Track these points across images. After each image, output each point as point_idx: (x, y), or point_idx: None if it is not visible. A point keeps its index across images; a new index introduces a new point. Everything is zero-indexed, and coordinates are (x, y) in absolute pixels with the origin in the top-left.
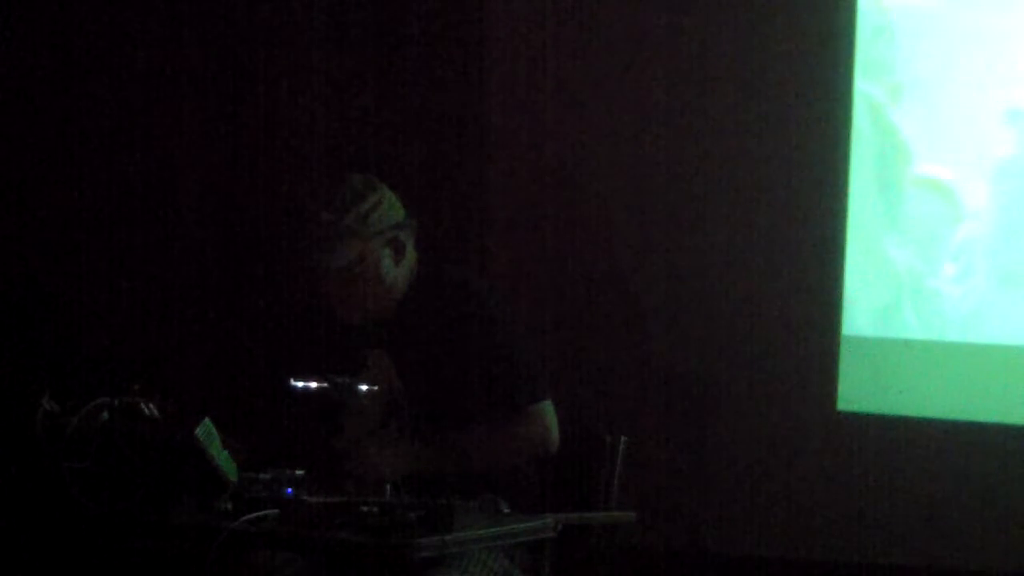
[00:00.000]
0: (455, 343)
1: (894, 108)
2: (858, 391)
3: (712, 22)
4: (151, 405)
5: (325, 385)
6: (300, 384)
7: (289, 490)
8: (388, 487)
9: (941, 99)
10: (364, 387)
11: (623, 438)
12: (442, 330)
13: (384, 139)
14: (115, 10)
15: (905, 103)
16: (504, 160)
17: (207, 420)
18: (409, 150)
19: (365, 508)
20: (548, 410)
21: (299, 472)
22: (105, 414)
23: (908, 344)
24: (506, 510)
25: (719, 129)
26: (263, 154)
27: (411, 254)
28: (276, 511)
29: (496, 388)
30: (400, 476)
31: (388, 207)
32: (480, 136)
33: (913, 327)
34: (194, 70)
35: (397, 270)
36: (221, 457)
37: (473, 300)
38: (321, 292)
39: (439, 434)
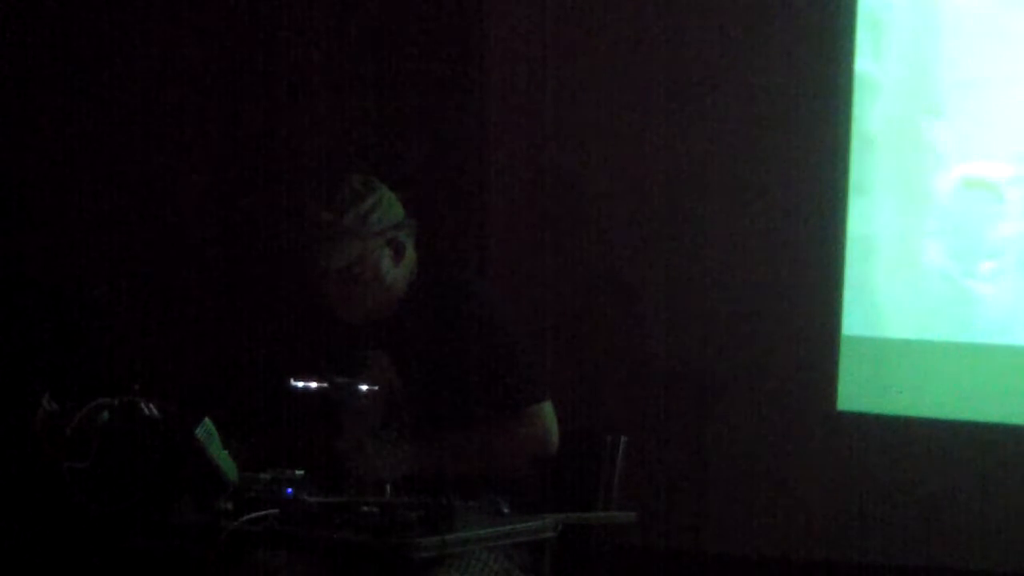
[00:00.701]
0: (455, 344)
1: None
2: (858, 391)
3: (712, 22)
4: (151, 405)
5: (325, 385)
6: (300, 384)
7: (289, 490)
8: (388, 487)
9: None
10: (364, 387)
11: (623, 438)
12: (442, 331)
13: (384, 139)
14: (115, 10)
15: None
16: (504, 160)
17: (207, 420)
18: (409, 150)
19: (365, 508)
20: (548, 411)
21: (299, 472)
22: (105, 414)
23: (908, 344)
24: (506, 510)
25: (719, 129)
26: (263, 154)
27: (411, 254)
28: (276, 511)
29: (496, 389)
30: (399, 476)
31: (387, 207)
32: (480, 136)
33: (913, 327)
34: (194, 70)
35: (397, 270)
36: (221, 457)
37: (473, 301)
38: (321, 292)
39: (439, 435)
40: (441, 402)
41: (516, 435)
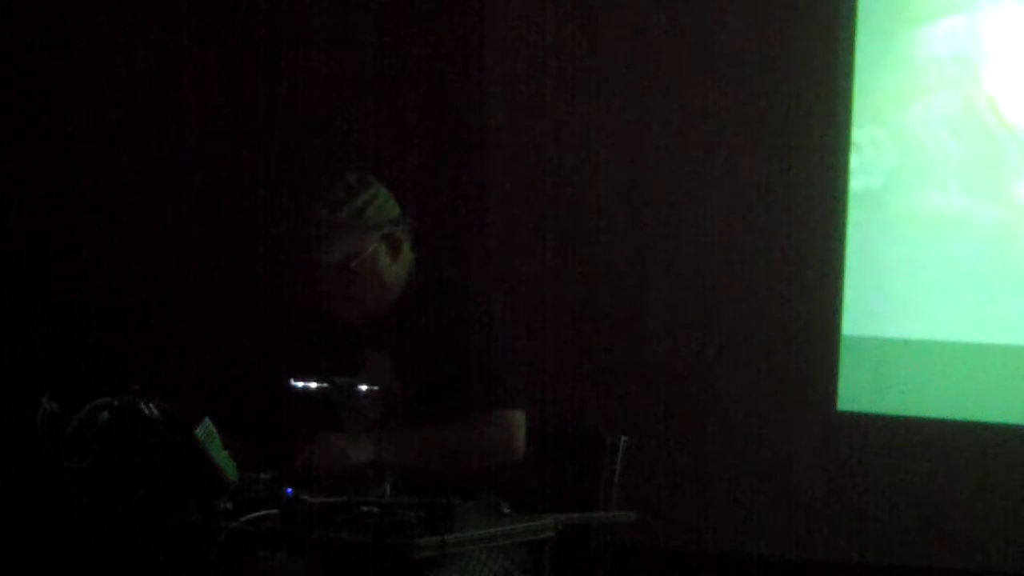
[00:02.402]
0: (449, 344)
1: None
2: (858, 391)
3: (713, 21)
4: (151, 405)
5: (325, 385)
6: (300, 384)
7: (289, 490)
8: (388, 487)
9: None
10: (364, 387)
11: (623, 438)
12: (439, 332)
13: (384, 139)
14: (115, 10)
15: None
16: (504, 160)
17: (207, 420)
18: (409, 150)
19: (365, 508)
20: (517, 419)
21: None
22: (105, 414)
23: (908, 344)
24: (506, 510)
25: (719, 128)
26: (263, 154)
27: (408, 253)
28: (276, 511)
29: (470, 385)
30: (363, 463)
31: (382, 202)
32: (480, 136)
33: (913, 327)
34: (194, 70)
35: (394, 267)
36: (221, 457)
37: (468, 302)
38: (320, 291)
39: (402, 426)
40: (439, 402)
41: (481, 434)
